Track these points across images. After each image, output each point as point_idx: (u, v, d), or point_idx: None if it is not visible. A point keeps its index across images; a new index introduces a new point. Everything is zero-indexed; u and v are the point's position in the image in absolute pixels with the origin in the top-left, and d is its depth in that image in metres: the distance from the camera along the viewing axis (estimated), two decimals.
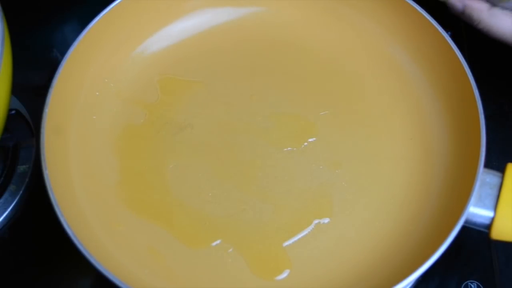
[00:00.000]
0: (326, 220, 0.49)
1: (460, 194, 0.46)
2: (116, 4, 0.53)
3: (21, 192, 0.55)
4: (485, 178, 0.46)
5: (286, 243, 0.48)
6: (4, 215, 0.54)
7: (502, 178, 0.46)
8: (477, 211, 0.45)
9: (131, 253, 0.48)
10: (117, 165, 0.52)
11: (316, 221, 0.49)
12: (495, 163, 0.49)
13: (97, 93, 0.54)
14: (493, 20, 0.52)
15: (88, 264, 0.43)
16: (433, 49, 0.53)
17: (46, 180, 0.46)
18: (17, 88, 0.51)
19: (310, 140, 0.52)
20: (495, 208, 0.45)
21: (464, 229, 0.45)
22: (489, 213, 0.45)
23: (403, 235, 0.48)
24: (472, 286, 0.52)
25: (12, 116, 0.57)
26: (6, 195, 0.55)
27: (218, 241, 0.48)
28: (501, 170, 0.46)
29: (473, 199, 0.45)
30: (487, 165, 0.46)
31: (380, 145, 0.52)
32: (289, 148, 0.52)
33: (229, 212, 0.49)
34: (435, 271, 0.49)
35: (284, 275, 0.47)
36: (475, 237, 0.51)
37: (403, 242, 0.48)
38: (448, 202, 0.48)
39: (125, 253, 0.48)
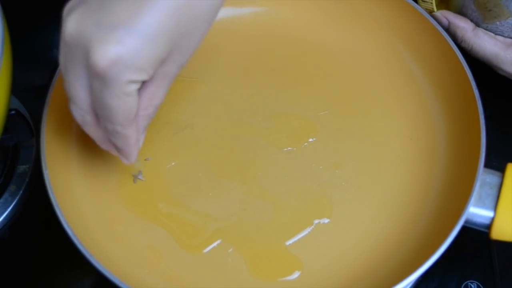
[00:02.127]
0: (326, 220, 0.49)
1: (460, 194, 0.46)
2: None
3: (21, 192, 0.55)
4: (485, 178, 0.46)
5: (286, 244, 0.48)
6: (4, 215, 0.54)
7: (502, 178, 0.46)
8: (477, 211, 0.45)
9: (131, 253, 0.48)
10: (117, 165, 0.52)
11: (316, 221, 0.49)
12: (495, 163, 0.49)
13: None
14: (476, 40, 0.53)
15: (88, 264, 0.43)
16: (433, 49, 0.54)
17: (46, 180, 0.46)
18: (17, 88, 0.51)
19: (310, 140, 0.52)
20: (495, 208, 0.45)
21: (464, 229, 0.45)
22: (489, 213, 0.45)
23: (403, 235, 0.48)
24: (472, 286, 0.52)
25: (12, 116, 0.57)
26: (6, 195, 0.55)
27: (218, 241, 0.48)
28: (501, 170, 0.46)
29: (473, 199, 0.45)
30: (487, 165, 0.46)
31: (380, 145, 0.52)
32: (289, 148, 0.52)
33: (229, 212, 0.49)
34: (435, 271, 0.49)
35: (283, 275, 0.48)
36: (475, 237, 0.51)
37: (403, 242, 0.48)
38: (448, 202, 0.48)
39: (125, 253, 0.48)
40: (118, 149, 0.43)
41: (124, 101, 0.39)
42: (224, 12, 0.58)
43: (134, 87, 0.38)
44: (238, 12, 0.58)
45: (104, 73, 0.37)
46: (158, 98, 0.41)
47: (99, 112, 0.40)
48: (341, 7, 0.57)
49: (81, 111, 0.41)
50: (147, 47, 0.37)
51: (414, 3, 0.54)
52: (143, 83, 0.40)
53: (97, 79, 0.38)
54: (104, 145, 0.44)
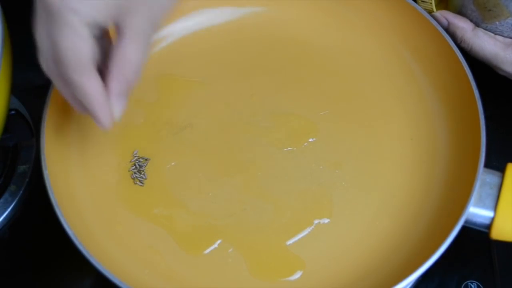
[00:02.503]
0: (326, 220, 0.49)
1: (460, 194, 0.46)
2: None
3: (21, 192, 0.55)
4: (485, 178, 0.46)
5: (286, 244, 0.48)
6: (4, 215, 0.54)
7: (502, 178, 0.46)
8: (477, 211, 0.45)
9: (131, 253, 0.48)
10: (117, 165, 0.52)
11: (316, 221, 0.49)
12: (495, 163, 0.49)
13: None
14: (475, 40, 0.53)
15: (88, 264, 0.43)
16: (433, 49, 0.54)
17: (46, 180, 0.46)
18: (17, 88, 0.51)
19: (310, 140, 0.52)
20: (495, 208, 0.45)
21: (464, 229, 0.45)
22: (489, 213, 0.45)
23: (403, 235, 0.48)
24: (472, 286, 0.52)
25: (12, 116, 0.57)
26: (6, 195, 0.55)
27: (218, 241, 0.48)
28: (501, 170, 0.46)
29: (473, 199, 0.45)
30: (487, 165, 0.46)
31: (380, 145, 0.52)
32: (289, 148, 0.52)
33: (229, 212, 0.49)
34: (435, 271, 0.49)
35: (283, 275, 0.48)
36: (475, 237, 0.51)
37: (403, 242, 0.48)
38: (448, 202, 0.48)
39: (125, 253, 0.48)
40: (88, 111, 0.43)
41: (74, 42, 0.39)
42: (224, 12, 0.58)
43: (86, 28, 0.39)
44: (238, 12, 0.58)
45: (53, 8, 0.38)
46: (132, 56, 0.41)
47: (55, 57, 0.40)
48: (341, 7, 0.57)
49: (46, 60, 0.41)
50: None
51: (414, 3, 0.54)
52: (116, 41, 0.40)
53: (49, 16, 0.38)
54: (75, 105, 0.44)
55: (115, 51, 0.41)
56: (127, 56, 0.41)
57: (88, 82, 0.41)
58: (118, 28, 0.41)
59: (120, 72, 0.41)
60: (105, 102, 0.42)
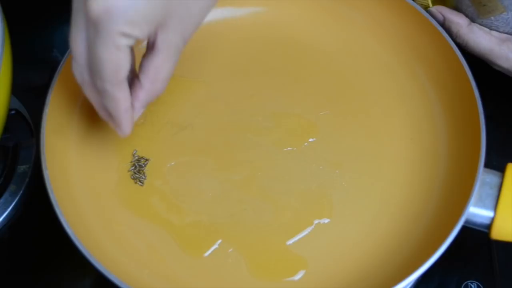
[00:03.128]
0: (326, 221, 0.49)
1: (460, 194, 0.46)
2: None
3: (21, 192, 0.55)
4: (485, 178, 0.46)
5: (286, 244, 0.48)
6: (4, 215, 0.54)
7: (502, 178, 0.46)
8: (477, 211, 0.45)
9: (131, 253, 0.48)
10: (117, 165, 0.52)
11: (316, 221, 0.49)
12: (495, 163, 0.49)
13: None
14: (471, 35, 0.53)
15: (88, 264, 0.43)
16: (433, 49, 0.54)
17: (46, 180, 0.46)
18: (17, 88, 0.51)
19: (310, 140, 0.52)
20: (495, 208, 0.45)
21: (464, 229, 0.45)
22: (489, 213, 0.45)
23: (404, 235, 0.48)
24: (472, 286, 0.52)
25: (12, 116, 0.57)
26: (6, 195, 0.55)
27: (218, 241, 0.48)
28: (501, 170, 0.46)
29: (473, 199, 0.45)
30: (487, 165, 0.46)
31: (380, 145, 0.52)
32: (289, 148, 0.52)
33: (229, 212, 0.49)
34: (435, 271, 0.49)
35: (284, 276, 0.48)
36: (475, 237, 0.51)
37: (403, 242, 0.48)
38: (448, 202, 0.48)
39: (125, 253, 0.48)
40: (111, 117, 0.44)
41: (113, 55, 0.39)
42: (224, 12, 0.58)
43: (125, 41, 0.39)
44: (238, 12, 0.58)
45: (97, 20, 0.38)
46: (164, 72, 0.43)
47: (92, 67, 0.41)
48: (342, 7, 0.57)
49: (80, 68, 0.42)
50: (142, 2, 0.38)
51: (414, 4, 0.54)
52: (148, 55, 0.41)
53: (91, 27, 0.39)
54: (101, 112, 0.45)
55: (149, 65, 0.42)
56: (160, 72, 0.43)
57: (120, 93, 0.42)
58: (152, 42, 0.42)
59: (151, 86, 0.43)
60: (130, 110, 0.44)
